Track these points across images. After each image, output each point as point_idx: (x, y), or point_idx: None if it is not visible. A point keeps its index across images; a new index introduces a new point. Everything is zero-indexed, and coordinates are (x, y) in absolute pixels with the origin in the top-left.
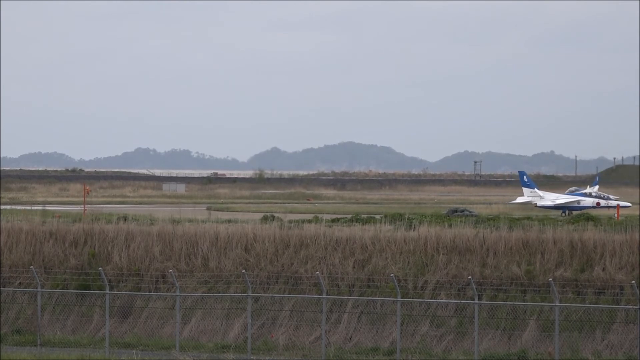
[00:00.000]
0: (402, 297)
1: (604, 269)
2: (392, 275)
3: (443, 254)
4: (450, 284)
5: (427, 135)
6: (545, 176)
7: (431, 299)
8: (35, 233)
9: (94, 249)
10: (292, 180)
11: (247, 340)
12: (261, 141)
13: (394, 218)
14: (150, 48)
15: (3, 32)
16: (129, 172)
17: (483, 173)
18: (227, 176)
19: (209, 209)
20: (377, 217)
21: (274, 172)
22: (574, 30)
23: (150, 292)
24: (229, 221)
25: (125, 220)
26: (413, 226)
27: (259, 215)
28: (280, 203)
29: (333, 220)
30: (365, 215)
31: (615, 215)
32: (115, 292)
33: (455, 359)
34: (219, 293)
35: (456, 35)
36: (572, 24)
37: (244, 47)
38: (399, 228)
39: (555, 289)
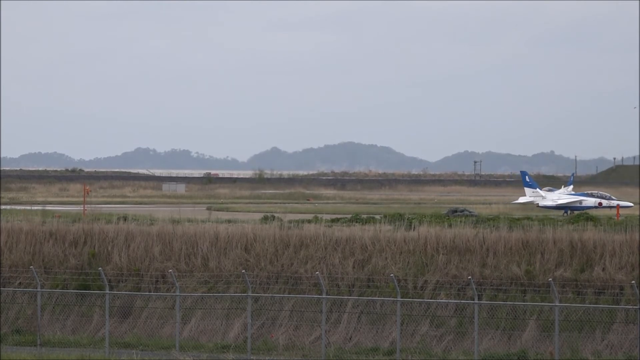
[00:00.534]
0: (402, 297)
1: (604, 269)
2: (392, 275)
3: (443, 254)
4: (450, 284)
5: (427, 135)
6: (545, 176)
7: (431, 299)
8: (35, 233)
9: (94, 249)
10: (292, 180)
11: (247, 340)
12: (261, 141)
13: (394, 218)
14: (150, 48)
15: (3, 32)
16: (129, 172)
17: (483, 173)
18: (220, 176)
19: (209, 209)
20: (377, 217)
21: (274, 172)
22: (574, 30)
23: (150, 292)
24: (229, 221)
25: (125, 220)
26: (413, 226)
27: (259, 215)
28: (280, 203)
29: (333, 220)
30: (365, 215)
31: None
32: (115, 292)
33: (455, 359)
34: (219, 293)
35: (456, 35)
36: (572, 24)
37: (244, 47)
38: (399, 228)
39: (555, 289)
